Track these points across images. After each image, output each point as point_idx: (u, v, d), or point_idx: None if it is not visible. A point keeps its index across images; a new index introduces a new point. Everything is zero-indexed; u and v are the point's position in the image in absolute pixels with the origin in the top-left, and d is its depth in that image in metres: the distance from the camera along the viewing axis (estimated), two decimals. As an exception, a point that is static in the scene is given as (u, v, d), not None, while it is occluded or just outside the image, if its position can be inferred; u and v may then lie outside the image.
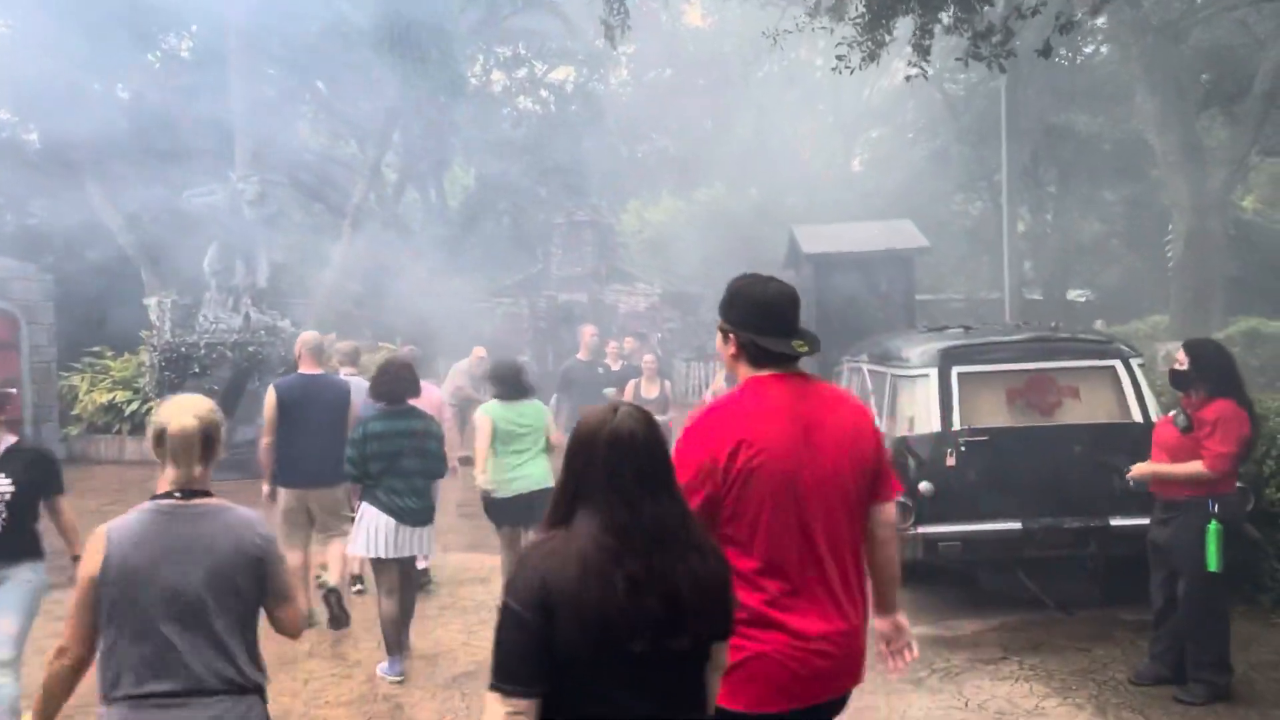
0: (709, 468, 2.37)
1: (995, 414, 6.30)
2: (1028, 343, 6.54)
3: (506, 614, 1.90)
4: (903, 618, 2.75)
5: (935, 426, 6.26)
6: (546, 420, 6.17)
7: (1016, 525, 6.01)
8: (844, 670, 2.47)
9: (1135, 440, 6.11)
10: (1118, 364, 6.33)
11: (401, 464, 5.14)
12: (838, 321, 13.21)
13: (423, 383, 5.76)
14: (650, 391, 8.55)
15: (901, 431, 6.52)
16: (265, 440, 5.94)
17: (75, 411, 14.50)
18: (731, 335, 2.57)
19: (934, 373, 6.38)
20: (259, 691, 2.59)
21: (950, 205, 24.59)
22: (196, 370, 12.47)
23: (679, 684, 1.96)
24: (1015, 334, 6.77)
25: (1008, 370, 6.38)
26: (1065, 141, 20.62)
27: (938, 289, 23.77)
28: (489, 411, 6.02)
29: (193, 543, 2.49)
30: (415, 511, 5.15)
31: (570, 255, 24.79)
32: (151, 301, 13.04)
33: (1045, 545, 6.01)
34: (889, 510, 2.62)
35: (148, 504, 2.56)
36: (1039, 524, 5.99)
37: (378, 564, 5.21)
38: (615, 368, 8.92)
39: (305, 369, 6.07)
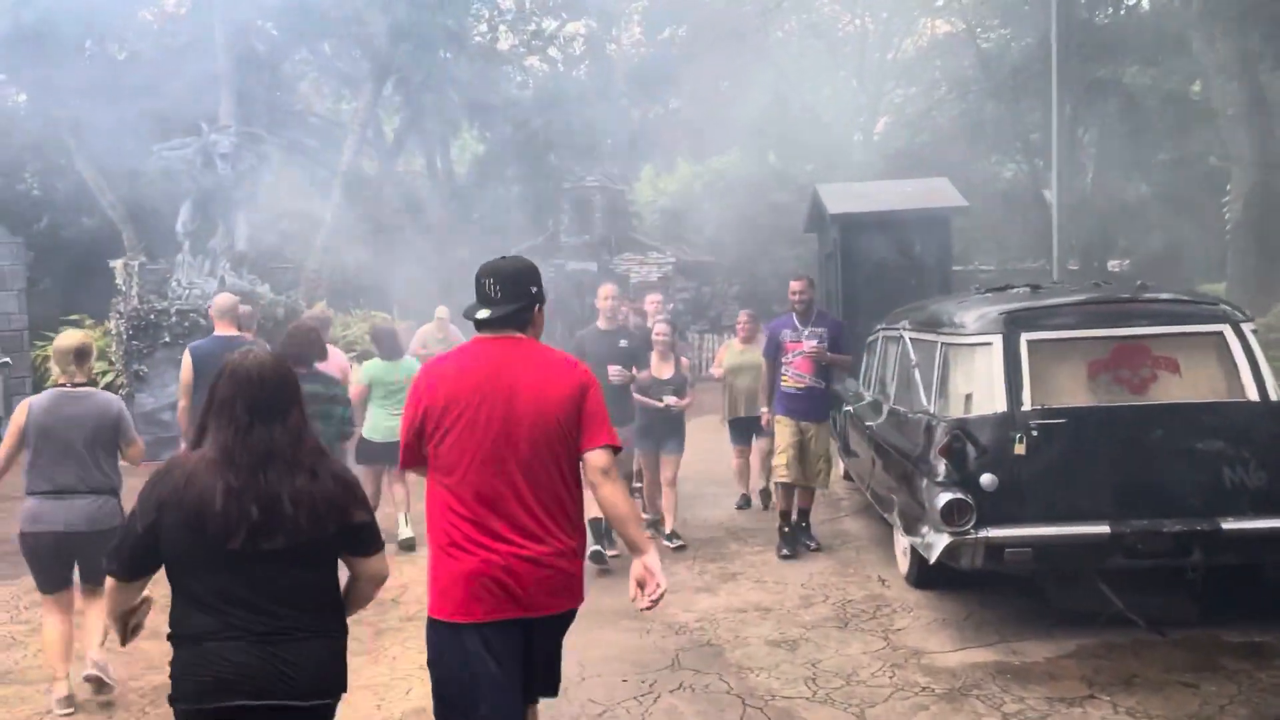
0: (420, 406, 2.85)
1: (1074, 391, 5.16)
2: (1113, 304, 5.37)
3: (128, 518, 2.45)
4: (651, 559, 2.90)
5: (999, 406, 5.12)
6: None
7: (1103, 529, 4.87)
8: (548, 589, 2.80)
9: (1250, 422, 4.97)
10: (1226, 329, 5.16)
11: None
12: (865, 288, 12.05)
13: (330, 348, 6.09)
14: (664, 371, 7.15)
15: (955, 412, 5.38)
16: (182, 403, 5.99)
17: (49, 384, 13.51)
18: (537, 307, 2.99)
19: (998, 340, 5.24)
20: (113, 493, 4.46)
21: (981, 169, 23.20)
22: (167, 339, 11.42)
23: (281, 577, 2.37)
24: (1096, 294, 5.59)
25: (1089, 338, 5.23)
26: (1108, 97, 19.22)
27: (965, 258, 22.46)
28: (367, 369, 7.13)
29: (77, 410, 4.35)
30: None
31: (579, 223, 23.61)
32: (118, 264, 11.99)
33: (1139, 553, 4.88)
34: (595, 457, 2.89)
35: (53, 389, 4.45)
36: (1131, 527, 4.85)
37: None
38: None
39: (220, 331, 6.08)
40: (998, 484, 5.01)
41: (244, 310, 7.18)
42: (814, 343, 6.78)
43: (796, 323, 6.95)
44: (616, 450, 2.94)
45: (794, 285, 7.02)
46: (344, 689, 2.55)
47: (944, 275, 12.37)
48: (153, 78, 18.94)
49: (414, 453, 2.89)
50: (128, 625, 2.54)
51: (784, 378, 6.89)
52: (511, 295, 2.92)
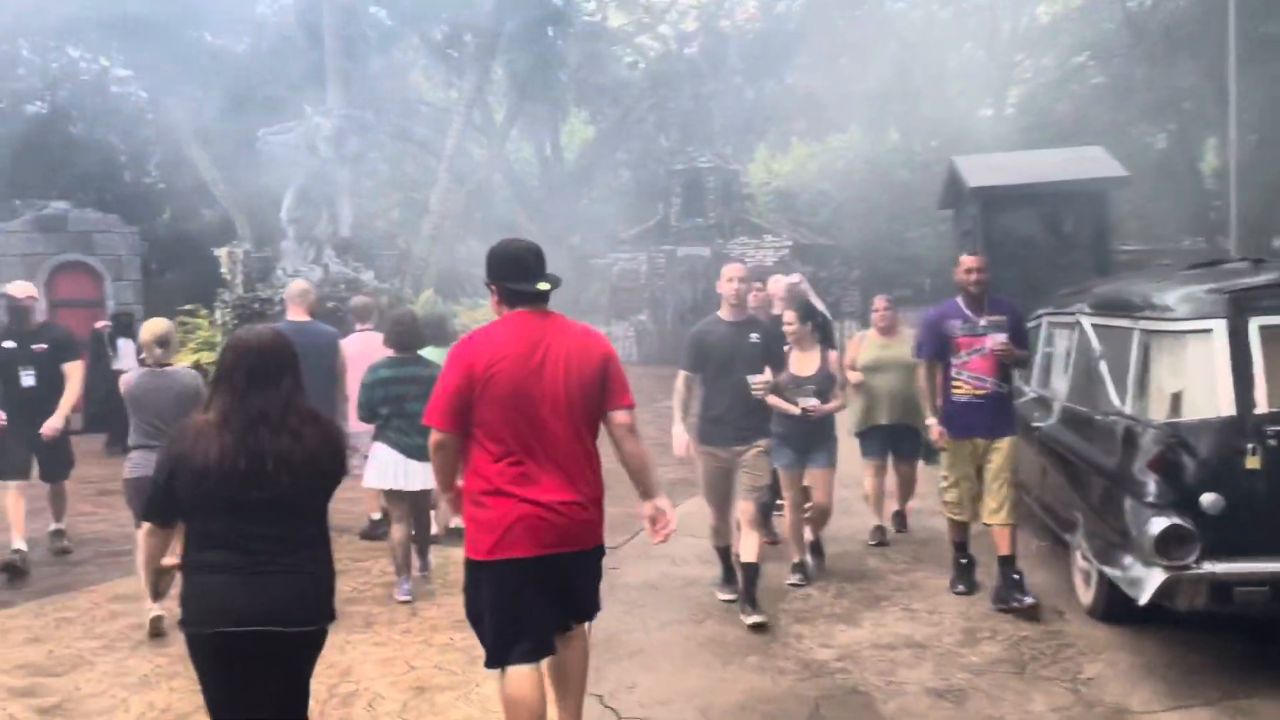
0: (465, 371, 3.16)
1: (1324, 390, 4.12)
2: (1373, 280, 4.29)
3: (154, 473, 2.86)
4: (663, 501, 3.44)
5: (1224, 409, 4.12)
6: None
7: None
8: (576, 530, 3.21)
9: None
10: None
11: (406, 407, 5.43)
12: (1008, 269, 10.82)
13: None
14: (805, 366, 5.71)
15: (1161, 414, 4.39)
16: None
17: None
18: (493, 286, 3.32)
19: (1220, 327, 4.22)
20: None
21: (1129, 140, 21.38)
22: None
23: (275, 519, 2.74)
24: (1344, 268, 4.49)
25: (1342, 323, 4.17)
26: (1277, 55, 17.31)
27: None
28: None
29: (160, 384, 5.12)
30: (422, 448, 5.00)
31: (691, 206, 22.79)
32: (222, 252, 11.80)
33: None
34: (619, 416, 3.33)
35: (141, 368, 5.31)
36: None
37: (390, 495, 5.68)
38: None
39: (292, 316, 6.37)
40: (1224, 506, 4.02)
41: (360, 301, 7.68)
42: (1002, 337, 5.20)
43: (967, 311, 5.34)
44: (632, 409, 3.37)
45: (968, 262, 5.39)
46: (328, 619, 2.87)
47: (1101, 255, 11.11)
48: (264, 68, 19.03)
49: (452, 412, 3.16)
50: (159, 584, 2.96)
51: (955, 383, 5.34)
52: (545, 274, 3.29)
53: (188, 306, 14.28)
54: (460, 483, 3.31)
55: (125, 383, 5.25)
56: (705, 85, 23.22)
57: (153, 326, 5.27)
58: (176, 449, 2.75)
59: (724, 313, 5.38)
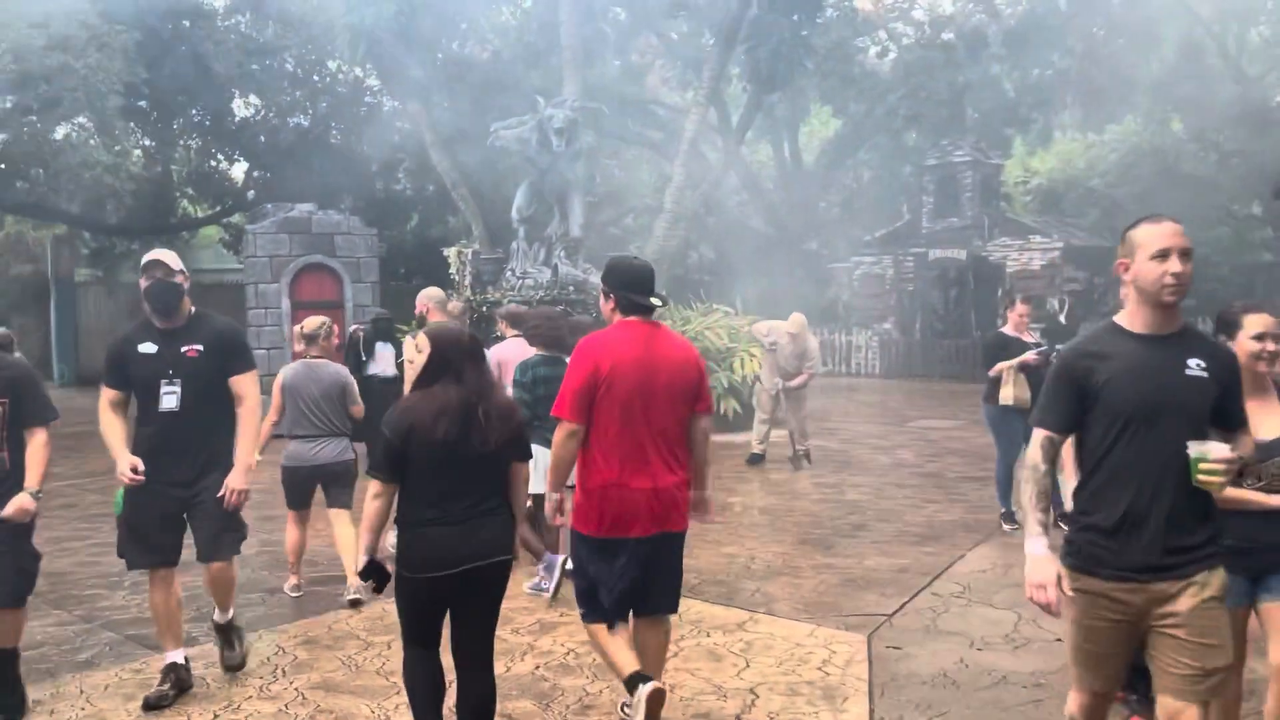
0: (592, 370, 3.52)
1: None
2: None
3: (383, 438, 3.20)
4: (708, 493, 3.85)
5: None
6: None
7: None
8: (671, 510, 3.60)
9: None
10: None
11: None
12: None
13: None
14: (1268, 423, 3.05)
15: None
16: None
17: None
18: (611, 295, 3.67)
19: None
20: (346, 436, 5.64)
21: None
22: (498, 334, 10.58)
23: (480, 475, 3.25)
24: None
25: None
26: None
27: None
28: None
29: (316, 376, 5.55)
30: None
31: (945, 204, 20.83)
32: (451, 252, 11.40)
33: None
34: (701, 420, 3.72)
35: (297, 362, 5.72)
36: None
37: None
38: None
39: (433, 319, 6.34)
40: None
41: (511, 310, 7.35)
42: None
43: None
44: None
45: None
46: (514, 554, 3.34)
47: None
48: (505, 74, 18.98)
49: (579, 405, 3.53)
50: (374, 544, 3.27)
51: None
52: (656, 291, 3.73)
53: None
54: (572, 480, 3.68)
55: (283, 374, 5.70)
56: (961, 74, 21.16)
57: (307, 324, 5.76)
58: (410, 418, 3.17)
59: (1135, 319, 2.68)
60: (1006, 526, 6.83)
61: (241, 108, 22.40)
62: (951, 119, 24.93)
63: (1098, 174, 26.98)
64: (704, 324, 12.57)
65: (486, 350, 6.66)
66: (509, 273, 11.10)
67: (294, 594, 5.59)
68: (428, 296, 6.48)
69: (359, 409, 5.75)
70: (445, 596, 3.22)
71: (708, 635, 4.77)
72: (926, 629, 4.85)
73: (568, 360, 5.15)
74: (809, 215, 25.81)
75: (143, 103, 20.01)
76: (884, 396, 17.46)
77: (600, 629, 3.61)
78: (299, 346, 5.77)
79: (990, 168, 20.84)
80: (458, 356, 3.27)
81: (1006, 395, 6.71)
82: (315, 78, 21.73)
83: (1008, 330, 7.17)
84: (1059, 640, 4.28)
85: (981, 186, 20.39)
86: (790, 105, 25.42)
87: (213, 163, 22.93)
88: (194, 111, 20.97)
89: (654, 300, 3.64)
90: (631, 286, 3.60)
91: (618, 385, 3.48)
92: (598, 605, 3.60)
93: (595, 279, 11.23)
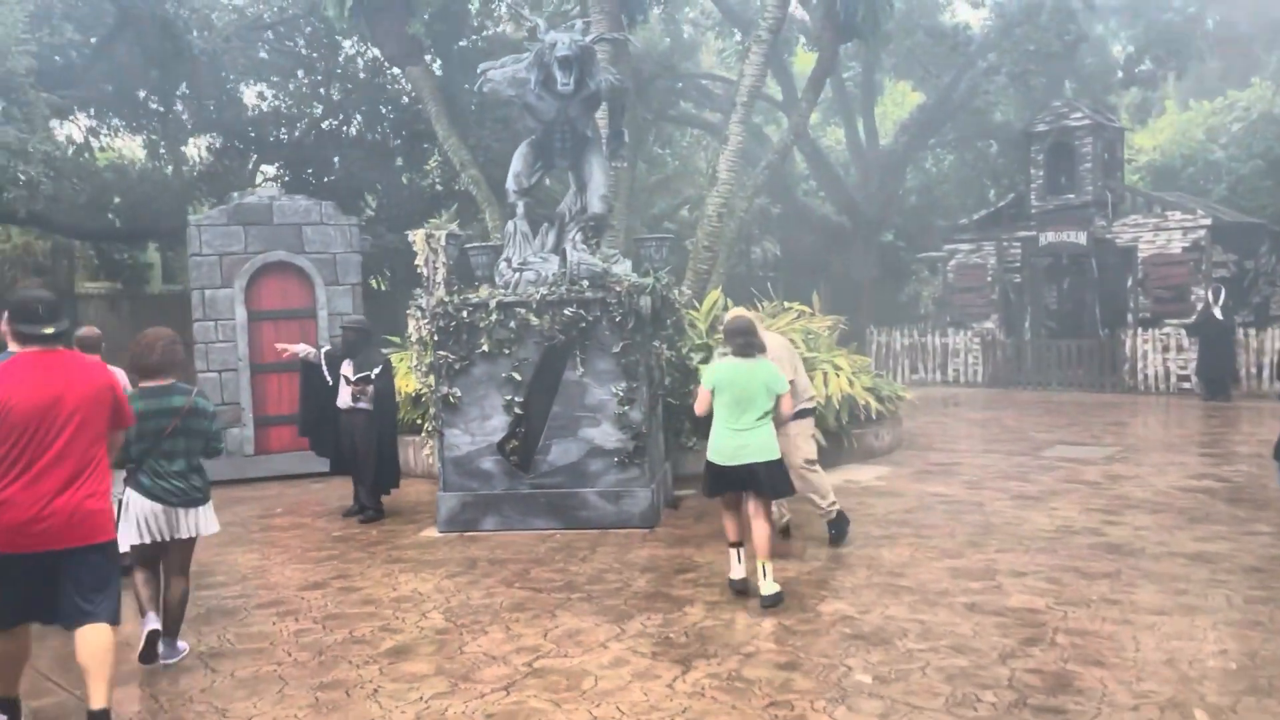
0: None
1: None
2: None
3: None
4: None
5: None
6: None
7: None
8: (65, 531, 3.79)
9: None
10: None
11: (164, 445, 4.87)
12: None
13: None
14: None
15: None
16: None
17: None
18: (5, 325, 3.99)
19: None
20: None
21: None
22: (485, 348, 7.62)
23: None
24: None
25: None
26: None
27: None
28: (717, 370, 5.69)
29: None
30: (182, 492, 4.90)
31: (1058, 179, 17.32)
32: (417, 236, 8.43)
33: None
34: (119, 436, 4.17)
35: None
36: None
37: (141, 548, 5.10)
38: None
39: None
40: None
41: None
42: None
43: None
44: None
45: None
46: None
47: None
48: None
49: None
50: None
51: None
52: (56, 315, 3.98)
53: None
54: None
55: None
56: (1074, 23, 17.66)
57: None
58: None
59: None
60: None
61: (253, 98, 20.12)
62: (1053, 86, 21.41)
63: (1219, 145, 23.23)
64: (772, 326, 9.45)
65: None
66: (503, 263, 8.12)
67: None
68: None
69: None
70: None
71: None
72: None
73: (172, 389, 4.92)
74: (888, 201, 22.44)
75: (152, 101, 17.85)
76: (995, 412, 14.09)
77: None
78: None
79: (1113, 132, 17.29)
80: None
81: None
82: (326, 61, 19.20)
83: None
84: None
85: (1104, 155, 16.84)
86: (864, 78, 22.15)
87: (226, 160, 20.64)
88: (208, 106, 18.59)
89: (43, 330, 3.85)
90: (21, 317, 3.85)
91: (16, 413, 3.73)
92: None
93: (620, 269, 8.19)
